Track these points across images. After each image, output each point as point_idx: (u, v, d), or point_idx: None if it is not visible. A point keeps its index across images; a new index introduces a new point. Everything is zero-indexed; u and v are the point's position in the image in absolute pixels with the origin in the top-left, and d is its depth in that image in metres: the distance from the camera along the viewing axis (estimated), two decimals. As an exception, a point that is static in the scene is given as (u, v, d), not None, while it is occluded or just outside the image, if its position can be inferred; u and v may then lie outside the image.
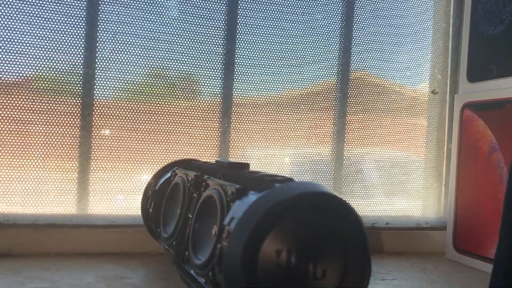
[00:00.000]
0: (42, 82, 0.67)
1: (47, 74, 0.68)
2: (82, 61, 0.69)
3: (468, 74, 0.76)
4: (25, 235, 0.64)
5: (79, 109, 0.69)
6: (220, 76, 0.77)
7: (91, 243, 0.66)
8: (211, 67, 0.76)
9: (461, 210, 0.75)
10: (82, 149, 0.68)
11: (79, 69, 0.69)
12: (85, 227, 0.67)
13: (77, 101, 0.69)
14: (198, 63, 0.76)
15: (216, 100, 0.77)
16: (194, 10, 0.75)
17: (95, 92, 0.69)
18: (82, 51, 0.69)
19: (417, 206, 0.87)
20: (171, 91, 0.74)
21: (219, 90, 0.77)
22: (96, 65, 0.69)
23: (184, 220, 0.52)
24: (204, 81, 0.77)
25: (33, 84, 0.67)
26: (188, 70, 0.75)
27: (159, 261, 0.64)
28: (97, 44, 0.70)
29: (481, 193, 0.71)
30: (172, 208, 0.57)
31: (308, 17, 0.82)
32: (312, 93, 0.83)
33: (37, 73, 0.67)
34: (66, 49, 0.68)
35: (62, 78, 0.68)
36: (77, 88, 0.69)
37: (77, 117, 0.69)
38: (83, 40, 0.69)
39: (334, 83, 0.83)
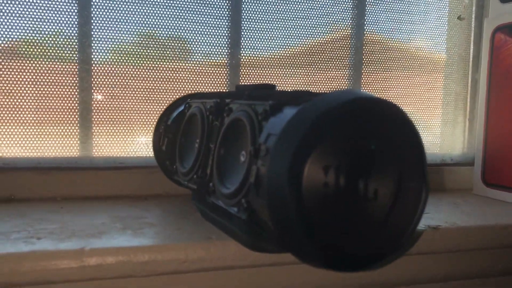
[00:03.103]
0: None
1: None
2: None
3: (500, -6, 0.70)
4: (27, 179, 0.59)
5: (76, 43, 0.62)
6: (226, 34, 0.69)
7: (100, 186, 0.61)
8: (216, 25, 0.68)
9: (491, 141, 0.71)
10: (82, 85, 0.62)
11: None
12: (92, 170, 0.62)
13: (74, 32, 0.62)
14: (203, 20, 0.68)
15: (222, 60, 0.70)
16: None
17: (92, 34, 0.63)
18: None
19: (441, 143, 0.82)
20: (175, 52, 0.67)
21: (226, 50, 0.70)
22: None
23: (205, 151, 0.47)
24: (209, 40, 0.69)
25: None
26: (193, 28, 0.68)
27: (175, 202, 0.60)
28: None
29: (515, 121, 0.67)
30: (190, 142, 0.52)
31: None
32: (325, 50, 0.76)
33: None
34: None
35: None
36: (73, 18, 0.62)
37: (74, 51, 0.62)
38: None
39: (348, 35, 0.76)
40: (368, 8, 0.77)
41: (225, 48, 0.70)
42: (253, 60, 0.71)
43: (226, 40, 0.70)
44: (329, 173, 0.32)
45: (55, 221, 0.49)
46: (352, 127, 0.32)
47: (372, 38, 0.77)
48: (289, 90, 0.42)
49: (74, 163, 0.62)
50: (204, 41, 0.69)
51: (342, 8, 0.75)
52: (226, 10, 0.69)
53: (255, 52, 0.71)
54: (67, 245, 0.41)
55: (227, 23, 0.69)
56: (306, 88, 0.74)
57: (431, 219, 0.56)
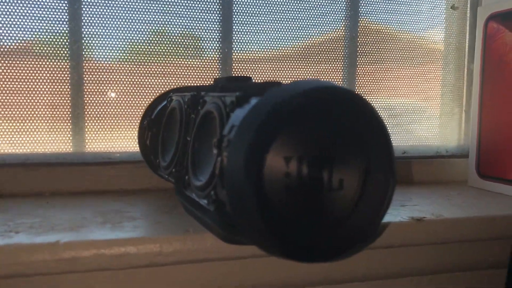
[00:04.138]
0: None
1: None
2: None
3: (493, -19, 0.69)
4: (16, 175, 0.59)
5: (66, 39, 0.63)
6: (218, 29, 0.69)
7: (88, 182, 0.62)
8: (207, 19, 0.68)
9: (485, 132, 0.69)
10: (72, 80, 0.63)
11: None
12: (81, 165, 0.62)
13: (65, 29, 0.63)
14: (194, 15, 0.68)
15: (214, 55, 0.70)
16: None
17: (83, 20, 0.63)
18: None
19: (436, 134, 0.81)
20: (164, 47, 0.67)
21: (217, 45, 0.69)
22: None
23: (183, 145, 0.47)
24: (201, 35, 0.69)
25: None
26: (183, 23, 0.68)
27: (161, 196, 0.60)
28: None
29: (509, 111, 0.65)
30: (171, 135, 0.52)
31: None
32: (318, 44, 0.75)
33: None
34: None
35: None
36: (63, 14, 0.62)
37: (65, 48, 0.63)
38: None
39: (342, 30, 0.75)
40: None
41: (216, 42, 0.69)
42: (245, 55, 0.70)
43: (218, 34, 0.69)
44: (291, 164, 0.32)
45: (38, 215, 0.49)
46: (313, 117, 0.32)
47: (366, 29, 0.76)
48: (260, 82, 0.42)
49: (63, 158, 0.62)
50: (194, 35, 0.69)
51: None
52: (217, 4, 0.69)
53: (247, 46, 0.71)
54: (43, 239, 0.41)
55: (218, 17, 0.69)
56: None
57: (418, 211, 0.55)
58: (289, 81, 0.72)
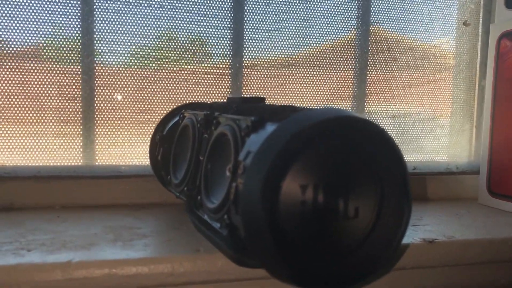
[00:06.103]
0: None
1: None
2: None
3: (506, -1, 0.68)
4: (27, 188, 0.60)
5: (79, 54, 0.63)
6: (229, 35, 0.69)
7: (98, 195, 0.62)
8: (219, 25, 0.68)
9: (496, 150, 0.69)
10: (83, 94, 0.63)
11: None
12: (91, 178, 0.62)
13: (77, 45, 0.63)
14: (206, 22, 0.68)
15: (225, 61, 0.70)
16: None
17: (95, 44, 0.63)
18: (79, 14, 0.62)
19: (447, 151, 0.80)
20: (177, 53, 0.67)
21: (228, 51, 0.69)
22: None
23: (195, 164, 0.47)
24: (212, 41, 0.69)
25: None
26: (195, 29, 0.68)
27: (171, 211, 0.60)
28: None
29: (520, 130, 0.65)
30: (183, 153, 0.52)
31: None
32: (329, 51, 0.75)
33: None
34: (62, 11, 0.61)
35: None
36: (76, 33, 0.63)
37: (77, 63, 0.63)
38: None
39: (352, 38, 0.75)
40: (374, 8, 0.75)
41: (227, 49, 0.69)
42: (255, 60, 0.70)
43: (229, 41, 0.69)
44: (307, 192, 0.32)
45: (49, 231, 0.49)
46: (329, 146, 0.32)
47: (378, 36, 0.76)
48: (275, 105, 0.42)
49: (73, 172, 0.62)
50: (206, 42, 0.69)
51: (347, 7, 0.74)
52: (228, 11, 0.69)
53: (257, 52, 0.71)
54: (55, 258, 0.41)
55: (229, 25, 0.69)
56: (311, 89, 0.73)
57: (429, 231, 0.54)
58: (299, 88, 0.72)
